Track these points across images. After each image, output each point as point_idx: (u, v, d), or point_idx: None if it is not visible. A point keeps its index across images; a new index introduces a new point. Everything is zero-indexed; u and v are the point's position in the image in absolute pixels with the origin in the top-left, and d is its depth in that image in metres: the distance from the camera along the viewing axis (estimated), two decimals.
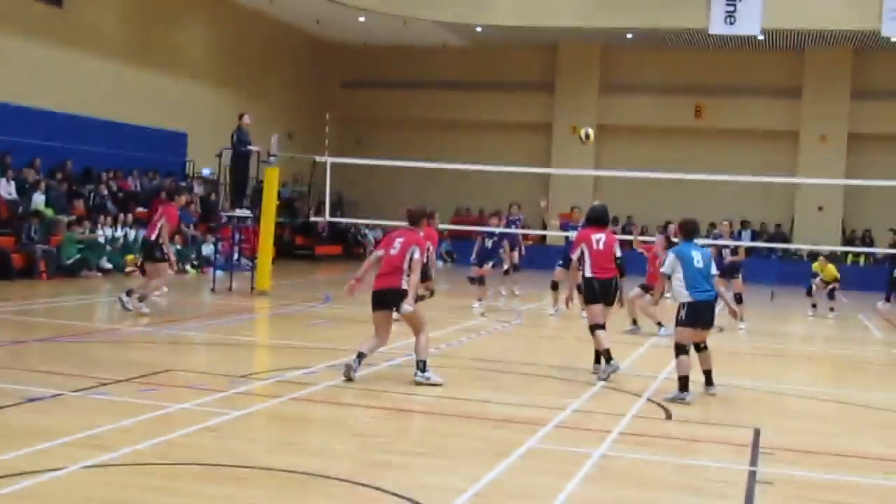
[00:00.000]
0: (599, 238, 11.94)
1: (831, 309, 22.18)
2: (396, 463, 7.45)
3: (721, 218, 34.72)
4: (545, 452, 7.99)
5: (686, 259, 10.73)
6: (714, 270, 10.93)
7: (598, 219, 12.22)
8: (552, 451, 8.05)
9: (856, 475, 7.86)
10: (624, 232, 35.39)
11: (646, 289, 16.16)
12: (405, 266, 10.60)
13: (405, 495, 6.55)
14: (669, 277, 10.93)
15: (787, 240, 34.60)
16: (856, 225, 35.36)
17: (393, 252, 10.67)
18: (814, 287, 22.57)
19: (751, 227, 35.62)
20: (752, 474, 7.61)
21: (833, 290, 22.31)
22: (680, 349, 10.59)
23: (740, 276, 18.77)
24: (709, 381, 10.97)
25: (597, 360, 11.96)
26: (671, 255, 10.91)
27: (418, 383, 10.41)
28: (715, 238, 20.35)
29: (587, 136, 18.52)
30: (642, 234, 34.27)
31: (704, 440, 8.90)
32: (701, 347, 10.91)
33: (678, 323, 10.73)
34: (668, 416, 9.72)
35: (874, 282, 28.05)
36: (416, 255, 10.60)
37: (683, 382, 10.43)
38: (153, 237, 16.15)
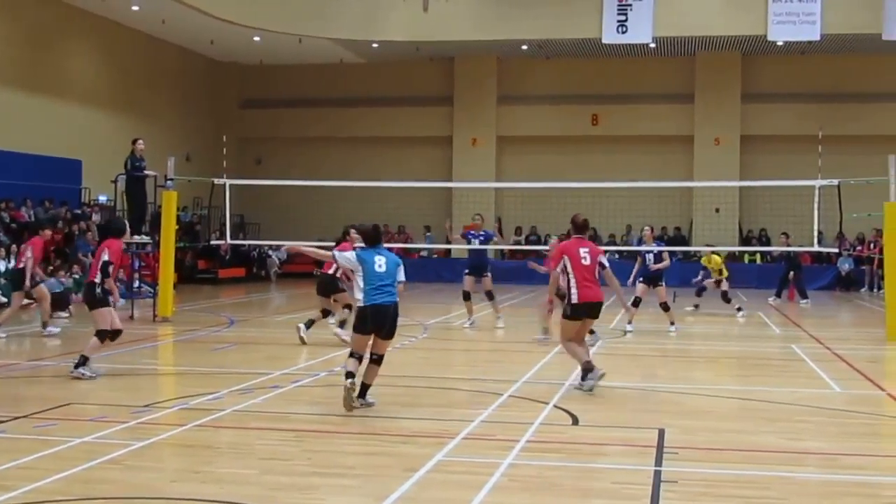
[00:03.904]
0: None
1: (739, 309, 22.64)
2: (304, 485, 7.38)
3: (626, 222, 35.55)
4: (454, 465, 8.01)
5: (367, 262, 10.43)
6: (402, 276, 10.61)
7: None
8: (461, 463, 8.06)
9: (758, 469, 8.04)
10: (527, 242, 35.81)
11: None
12: None
13: None
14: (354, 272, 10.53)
15: (686, 242, 35.21)
16: (752, 224, 36.21)
17: None
18: (707, 288, 23.17)
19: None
20: (658, 474, 7.72)
21: (724, 291, 22.77)
22: (350, 354, 10.39)
23: (663, 284, 19.23)
24: (363, 394, 10.43)
25: None
26: (354, 255, 10.62)
27: None
28: (638, 244, 20.83)
29: None
30: (546, 242, 34.67)
31: (610, 443, 8.99)
32: (373, 358, 10.49)
33: (353, 329, 10.57)
34: (575, 422, 9.81)
35: (772, 279, 28.72)
36: None
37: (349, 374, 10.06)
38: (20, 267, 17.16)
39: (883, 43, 31.50)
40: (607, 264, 11.88)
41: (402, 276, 10.59)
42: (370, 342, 10.41)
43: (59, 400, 10.67)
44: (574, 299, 11.55)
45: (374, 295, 10.25)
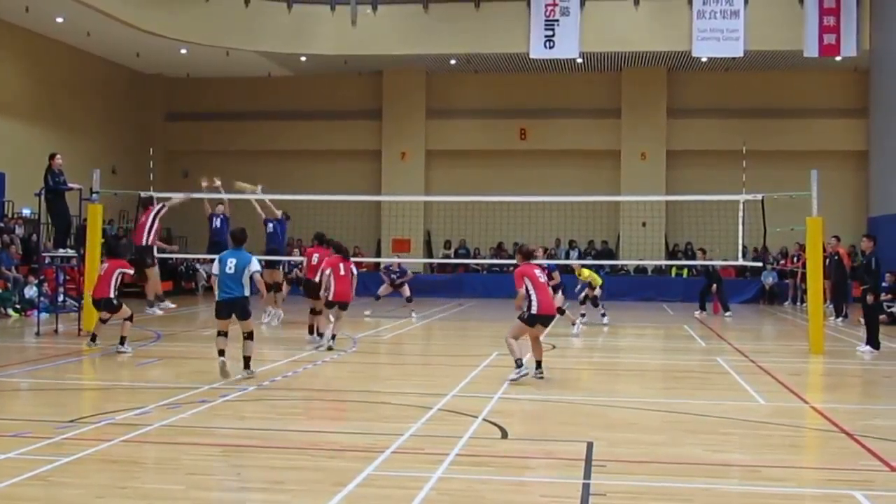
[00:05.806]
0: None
1: (603, 315, 22.84)
2: (232, 500, 7.34)
3: (554, 236, 35.81)
4: (383, 479, 8.01)
5: (222, 263, 13.22)
6: (254, 268, 13.28)
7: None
8: (390, 478, 8.07)
9: (682, 481, 8.16)
10: (456, 255, 35.91)
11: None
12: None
13: None
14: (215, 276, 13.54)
15: (613, 256, 35.56)
16: (678, 238, 36.65)
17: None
18: (584, 297, 23.09)
19: (578, 245, 36.48)
20: (586, 487, 7.79)
21: (595, 297, 22.67)
22: (217, 333, 13.27)
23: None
24: (247, 365, 13.36)
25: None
26: (216, 263, 13.49)
27: None
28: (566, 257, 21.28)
29: None
30: (475, 256, 34.91)
31: (539, 456, 9.06)
32: (245, 336, 13.40)
33: (215, 315, 13.43)
34: (504, 436, 9.86)
35: (697, 293, 29.04)
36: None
37: (220, 353, 13.13)
38: None
39: (804, 59, 32.28)
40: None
41: (254, 268, 13.27)
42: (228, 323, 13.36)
43: None
44: (534, 310, 13.44)
45: (224, 291, 13.23)
